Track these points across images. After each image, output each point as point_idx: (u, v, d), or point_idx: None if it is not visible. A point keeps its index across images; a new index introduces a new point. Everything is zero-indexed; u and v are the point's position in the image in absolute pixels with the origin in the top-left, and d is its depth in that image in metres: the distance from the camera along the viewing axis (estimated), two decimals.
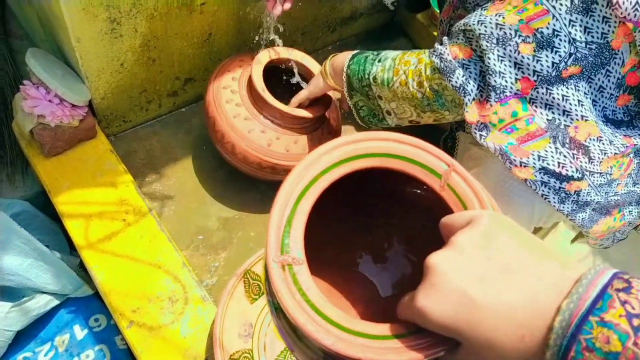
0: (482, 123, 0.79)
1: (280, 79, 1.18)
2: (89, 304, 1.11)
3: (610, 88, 0.80)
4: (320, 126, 1.16)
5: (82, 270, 1.10)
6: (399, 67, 0.87)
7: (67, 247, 1.18)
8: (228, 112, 1.08)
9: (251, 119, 1.08)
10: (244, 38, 1.28)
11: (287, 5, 1.05)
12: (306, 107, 1.11)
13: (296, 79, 1.16)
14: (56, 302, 1.07)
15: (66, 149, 1.12)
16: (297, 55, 1.15)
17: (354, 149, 0.49)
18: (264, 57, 1.10)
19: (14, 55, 1.31)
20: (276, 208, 0.47)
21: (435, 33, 1.50)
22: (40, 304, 1.04)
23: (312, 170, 0.49)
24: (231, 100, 1.10)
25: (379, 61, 0.91)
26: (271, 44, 1.14)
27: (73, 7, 0.94)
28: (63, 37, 1.04)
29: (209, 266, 1.13)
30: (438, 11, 1.45)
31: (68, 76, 1.08)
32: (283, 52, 1.14)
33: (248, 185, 1.25)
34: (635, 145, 0.85)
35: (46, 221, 1.19)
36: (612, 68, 0.77)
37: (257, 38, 1.18)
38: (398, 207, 0.58)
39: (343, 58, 1.00)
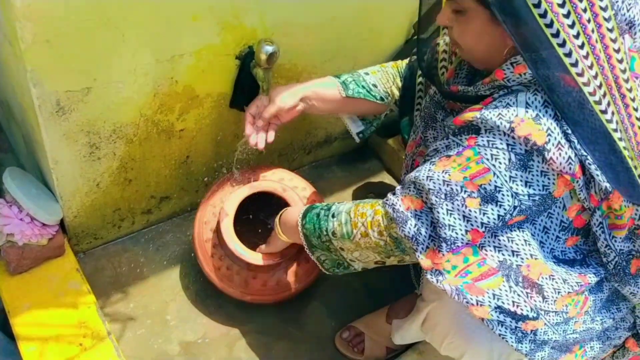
0: (436, 270, 0.82)
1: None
2: None
3: (555, 230, 0.84)
4: (292, 260, 1.20)
5: None
6: (355, 219, 0.90)
7: None
8: (215, 263, 1.17)
9: (232, 267, 1.17)
10: (221, 160, 1.33)
11: (271, 138, 1.11)
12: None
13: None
14: None
15: (32, 266, 1.12)
16: (268, 186, 1.20)
17: None
18: (230, 208, 1.15)
19: None
20: None
21: None
22: None
23: None
24: (215, 254, 1.18)
25: (333, 216, 0.94)
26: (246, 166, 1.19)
27: (54, 132, 0.99)
28: (42, 159, 1.08)
29: None
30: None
31: (42, 195, 1.10)
32: (257, 186, 1.19)
33: (214, 308, 1.24)
34: (589, 283, 0.86)
35: (4, 341, 1.14)
36: (554, 211, 0.82)
37: (232, 165, 1.23)
38: None
39: (291, 217, 1.04)
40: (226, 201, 1.16)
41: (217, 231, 1.16)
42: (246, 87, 1.15)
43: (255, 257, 1.14)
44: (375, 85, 1.13)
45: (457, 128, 0.82)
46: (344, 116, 1.23)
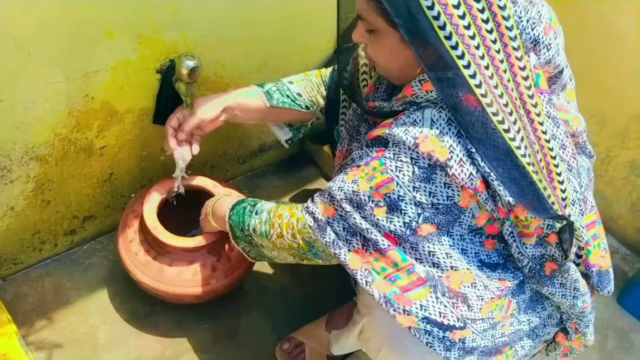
0: (366, 270, 0.82)
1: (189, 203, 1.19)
2: None
3: (469, 234, 0.85)
4: (218, 252, 1.16)
5: None
6: (274, 220, 0.92)
7: None
8: (133, 249, 1.11)
9: (150, 252, 1.12)
10: (149, 175, 1.29)
11: (196, 151, 1.08)
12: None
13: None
14: None
15: None
16: (196, 181, 1.17)
17: None
18: (158, 190, 1.13)
19: None
20: None
21: None
22: None
23: None
24: (134, 240, 1.12)
25: (256, 213, 0.96)
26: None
27: None
28: None
29: None
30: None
31: None
32: (189, 178, 1.16)
33: (148, 328, 1.20)
34: (509, 287, 0.89)
35: None
36: (463, 219, 0.83)
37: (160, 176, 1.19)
38: None
39: (223, 207, 1.04)
40: (155, 185, 1.13)
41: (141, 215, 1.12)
42: (169, 102, 1.12)
43: (169, 237, 1.09)
44: (299, 94, 1.12)
45: (370, 141, 0.83)
46: (271, 124, 1.21)
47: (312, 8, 1.25)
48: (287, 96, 1.11)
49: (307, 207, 0.88)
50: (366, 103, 0.92)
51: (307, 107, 1.13)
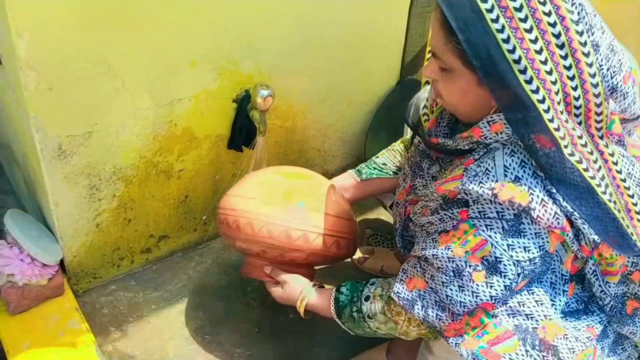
0: (458, 335, 0.82)
1: None
2: None
3: (559, 284, 0.84)
4: None
5: None
6: (395, 318, 0.90)
7: None
8: None
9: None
10: (220, 197, 1.35)
11: None
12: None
13: None
14: None
15: (32, 306, 1.13)
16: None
17: None
18: None
19: None
20: None
21: None
22: None
23: None
24: None
25: (369, 317, 0.93)
26: None
27: (55, 175, 1.02)
28: (43, 201, 1.10)
29: None
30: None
31: (43, 237, 1.13)
32: None
33: (214, 345, 1.24)
34: (597, 335, 0.86)
35: None
36: (555, 266, 0.82)
37: None
38: None
39: (325, 307, 1.00)
40: None
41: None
42: (243, 129, 1.19)
43: None
44: (384, 164, 1.19)
45: (445, 201, 0.82)
46: (380, 198, 1.30)
47: (377, 37, 1.30)
48: (374, 168, 1.19)
49: (393, 288, 0.87)
50: (429, 138, 0.93)
51: (395, 172, 1.19)
